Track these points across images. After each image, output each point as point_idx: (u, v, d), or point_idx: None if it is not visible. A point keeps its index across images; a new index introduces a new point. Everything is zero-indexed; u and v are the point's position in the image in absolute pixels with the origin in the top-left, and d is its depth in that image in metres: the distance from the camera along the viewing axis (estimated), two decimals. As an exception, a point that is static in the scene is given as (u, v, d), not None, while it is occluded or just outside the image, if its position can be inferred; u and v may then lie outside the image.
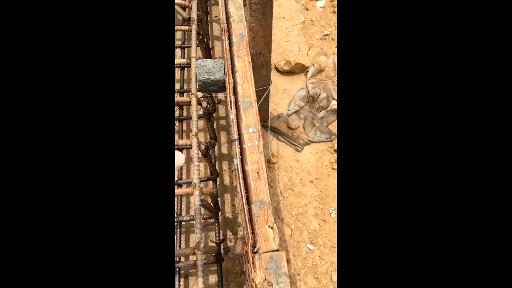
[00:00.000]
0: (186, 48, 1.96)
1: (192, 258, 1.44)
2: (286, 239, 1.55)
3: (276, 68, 2.14)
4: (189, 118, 1.66)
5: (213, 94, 1.71)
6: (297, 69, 2.13)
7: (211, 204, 1.24)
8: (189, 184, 1.48)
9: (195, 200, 0.91)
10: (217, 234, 1.39)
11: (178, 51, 1.91)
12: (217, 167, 1.74)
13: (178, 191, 0.98)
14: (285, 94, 2.09)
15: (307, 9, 2.45)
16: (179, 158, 0.54)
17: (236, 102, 1.05)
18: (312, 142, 1.89)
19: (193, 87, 1.12)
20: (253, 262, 0.78)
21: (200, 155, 1.03)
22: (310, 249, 1.50)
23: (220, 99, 1.82)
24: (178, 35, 2.19)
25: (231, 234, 1.55)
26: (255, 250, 0.80)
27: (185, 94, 1.77)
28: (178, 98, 1.17)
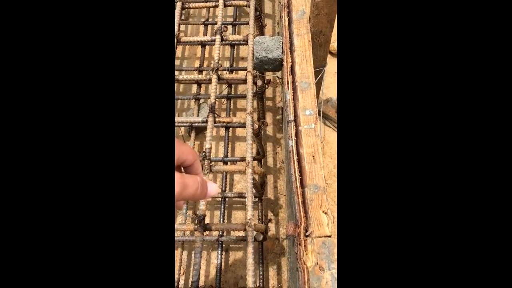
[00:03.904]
0: (237, 25, 1.93)
1: (233, 234, 1.48)
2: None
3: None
4: (239, 96, 1.66)
5: (264, 74, 1.68)
6: (350, 52, 2.02)
7: (259, 183, 1.25)
8: (234, 162, 1.49)
9: (248, 178, 0.91)
10: (260, 214, 1.40)
11: (230, 28, 1.90)
12: (261, 147, 1.74)
13: (229, 168, 0.99)
14: (335, 77, 2.00)
15: (366, -13, 2.28)
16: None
17: (293, 82, 1.02)
18: (361, 129, 1.80)
19: (250, 64, 1.10)
20: (305, 245, 0.77)
21: (252, 134, 1.02)
22: (352, 239, 1.47)
23: (269, 80, 1.79)
24: (230, 11, 2.16)
25: (272, 215, 1.56)
26: (307, 233, 0.79)
27: (234, 72, 1.77)
28: (230, 75, 1.16)
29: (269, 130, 1.84)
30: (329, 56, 2.09)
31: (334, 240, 0.77)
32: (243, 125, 1.04)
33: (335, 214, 1.61)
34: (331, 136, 1.79)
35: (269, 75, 2.01)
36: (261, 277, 1.26)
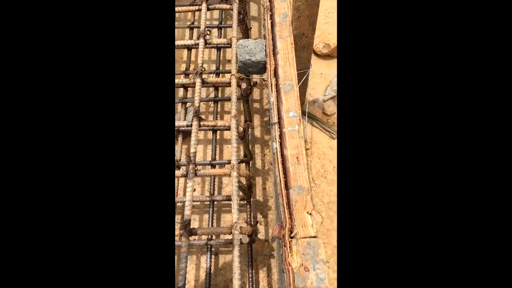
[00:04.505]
0: (223, 28, 1.94)
1: (223, 236, 1.48)
2: (317, 227, 1.54)
3: (313, 51, 2.06)
4: (225, 99, 1.66)
5: (249, 76, 1.69)
6: (336, 53, 2.04)
7: (246, 186, 1.25)
8: (222, 165, 1.49)
9: (233, 181, 0.91)
10: (248, 216, 1.41)
11: (215, 31, 1.90)
12: (249, 150, 1.74)
13: (215, 171, 0.99)
14: (322, 78, 2.02)
15: (349, -11, 2.31)
16: None
17: (277, 84, 1.03)
18: (347, 129, 1.83)
19: (233, 67, 1.10)
20: (290, 247, 0.77)
21: (238, 137, 1.03)
22: (341, 238, 1.48)
23: (256, 82, 1.80)
24: (216, 14, 2.16)
25: (261, 217, 1.56)
26: (292, 235, 0.79)
27: (221, 75, 1.77)
28: (215, 79, 1.16)
29: (257, 132, 1.84)
30: (314, 57, 2.12)
31: (319, 240, 0.78)
32: (228, 128, 1.04)
33: (323, 214, 1.59)
34: (319, 136, 1.81)
35: (255, 78, 2.02)
36: (251, 279, 1.26)
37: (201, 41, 1.15)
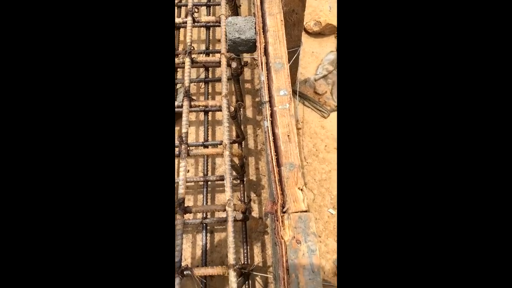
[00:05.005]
0: (211, 6, 1.88)
1: (217, 215, 1.51)
2: (308, 203, 1.58)
3: (305, 29, 2.03)
4: (216, 80, 1.65)
5: (240, 55, 1.66)
6: (327, 31, 2.02)
7: (238, 165, 1.26)
8: (215, 146, 1.50)
9: (226, 160, 0.93)
10: (242, 195, 1.43)
11: (203, 9, 1.85)
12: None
13: (207, 151, 1.00)
14: (313, 57, 2.00)
15: (341, -37, 2.25)
16: None
17: (267, 63, 1.02)
18: (339, 108, 1.84)
19: (223, 46, 1.09)
20: (282, 221, 0.80)
21: (229, 117, 1.03)
22: (332, 214, 1.53)
23: (247, 61, 1.78)
24: (204, -8, 2.09)
25: (255, 195, 1.59)
26: (284, 210, 0.82)
27: (211, 55, 1.74)
28: (205, 58, 1.15)
29: (249, 113, 1.84)
30: (305, 35, 2.09)
31: (310, 214, 0.81)
32: (219, 109, 1.04)
33: (315, 191, 1.63)
34: (310, 116, 1.82)
35: (246, 57, 1.99)
36: (245, 255, 1.31)
37: (189, 19, 1.12)
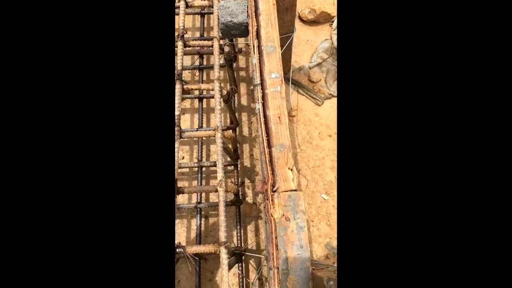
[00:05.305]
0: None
1: (212, 200, 1.53)
2: (301, 189, 1.61)
3: (299, 17, 2.03)
4: (209, 67, 1.65)
5: (234, 41, 1.66)
6: (322, 19, 2.01)
7: (232, 149, 1.28)
8: (209, 132, 1.50)
9: (217, 142, 0.94)
10: (236, 180, 1.45)
11: (198, -4, 1.83)
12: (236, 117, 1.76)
13: (200, 133, 1.01)
14: (308, 45, 2.00)
15: (336, -50, 2.24)
16: None
17: (259, 46, 1.03)
18: (333, 96, 1.85)
19: (215, 30, 1.09)
20: (272, 200, 0.82)
21: (222, 101, 1.04)
22: (325, 199, 1.55)
23: (241, 48, 1.77)
24: (198, -21, 2.08)
25: (248, 181, 1.61)
26: (274, 189, 0.84)
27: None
28: (197, 42, 1.15)
29: (243, 100, 1.85)
30: (300, 23, 2.09)
31: (299, 193, 0.83)
32: (212, 94, 1.05)
33: (309, 178, 1.64)
34: (304, 103, 1.83)
35: (241, 43, 1.99)
36: (239, 238, 1.33)
37: (181, 3, 1.12)
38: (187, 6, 1.15)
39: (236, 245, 1.31)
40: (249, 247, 1.43)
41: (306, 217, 0.81)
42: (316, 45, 2.00)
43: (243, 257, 1.20)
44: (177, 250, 0.83)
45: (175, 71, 1.03)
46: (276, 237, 0.78)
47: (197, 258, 1.10)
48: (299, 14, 2.02)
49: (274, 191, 0.84)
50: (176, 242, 0.85)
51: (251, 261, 1.43)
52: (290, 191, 0.83)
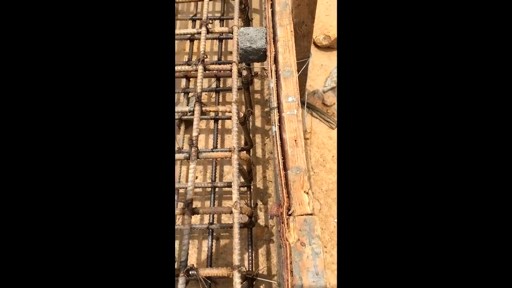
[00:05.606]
0: (225, 20, 1.96)
1: (223, 221, 1.52)
2: (315, 213, 1.58)
3: (314, 43, 2.08)
4: (226, 89, 1.69)
5: (251, 65, 1.71)
6: (336, 44, 2.06)
7: (246, 170, 1.28)
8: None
9: (234, 163, 0.95)
10: (249, 202, 1.44)
11: (217, 22, 1.93)
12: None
13: (216, 154, 1.02)
14: (322, 70, 2.04)
15: (351, -19, 2.32)
16: None
17: (276, 71, 1.06)
18: (347, 120, 1.85)
19: (234, 55, 1.13)
20: (287, 223, 0.81)
21: (238, 123, 1.06)
22: (339, 224, 1.52)
23: (257, 72, 1.82)
24: (218, 6, 2.19)
25: (261, 203, 1.60)
26: (289, 212, 0.83)
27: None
28: (217, 66, 1.19)
29: (258, 122, 1.87)
30: (315, 49, 2.14)
31: (315, 217, 0.81)
32: (229, 117, 1.07)
33: (322, 201, 1.63)
34: (318, 126, 1.84)
35: (256, 67, 2.04)
36: (250, 262, 1.30)
37: (203, 30, 1.18)
38: (208, 32, 1.20)
39: (247, 269, 1.28)
40: (260, 271, 1.39)
41: (324, 250, 0.79)
42: (330, 69, 2.03)
43: (253, 282, 1.17)
44: (190, 272, 0.82)
45: (195, 94, 1.06)
46: (291, 263, 0.77)
47: (209, 282, 1.08)
48: (314, 40, 2.07)
49: (290, 215, 0.83)
50: (189, 264, 0.84)
51: (261, 287, 1.39)
52: (306, 215, 0.82)
